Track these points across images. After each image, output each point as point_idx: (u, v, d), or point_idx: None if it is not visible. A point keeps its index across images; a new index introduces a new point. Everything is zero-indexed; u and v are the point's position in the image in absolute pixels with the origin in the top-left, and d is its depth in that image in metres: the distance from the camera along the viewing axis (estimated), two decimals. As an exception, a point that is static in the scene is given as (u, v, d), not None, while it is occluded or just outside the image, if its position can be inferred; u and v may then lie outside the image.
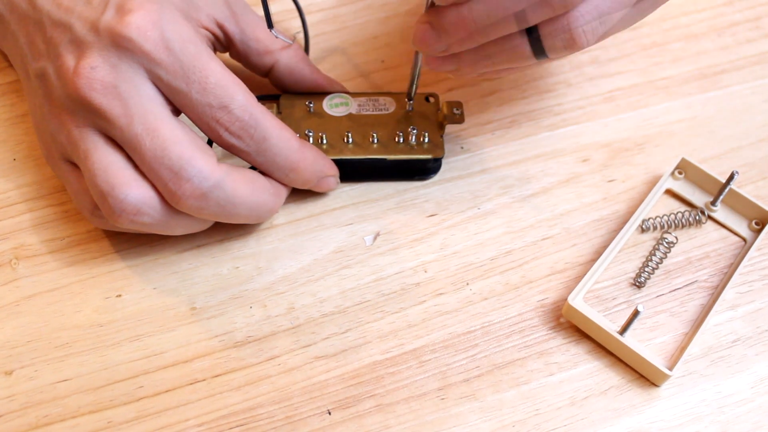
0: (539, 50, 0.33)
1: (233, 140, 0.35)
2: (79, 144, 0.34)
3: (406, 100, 0.41)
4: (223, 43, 0.39)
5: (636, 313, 0.35)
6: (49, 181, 0.41)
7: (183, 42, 0.34)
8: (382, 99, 0.42)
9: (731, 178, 0.39)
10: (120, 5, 0.34)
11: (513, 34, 0.33)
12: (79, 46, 0.34)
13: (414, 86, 0.41)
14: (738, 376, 0.37)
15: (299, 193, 0.41)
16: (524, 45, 0.33)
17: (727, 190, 0.40)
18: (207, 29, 0.38)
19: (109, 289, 0.38)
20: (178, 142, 0.33)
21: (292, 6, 0.46)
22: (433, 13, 0.34)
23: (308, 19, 0.47)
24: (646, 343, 0.37)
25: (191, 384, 0.36)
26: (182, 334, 0.37)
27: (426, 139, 0.40)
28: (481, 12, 0.32)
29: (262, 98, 0.41)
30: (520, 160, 0.43)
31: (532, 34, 0.33)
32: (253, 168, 0.37)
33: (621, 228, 0.40)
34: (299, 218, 0.41)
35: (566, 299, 0.37)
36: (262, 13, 0.39)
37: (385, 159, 0.40)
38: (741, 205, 0.41)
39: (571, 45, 0.33)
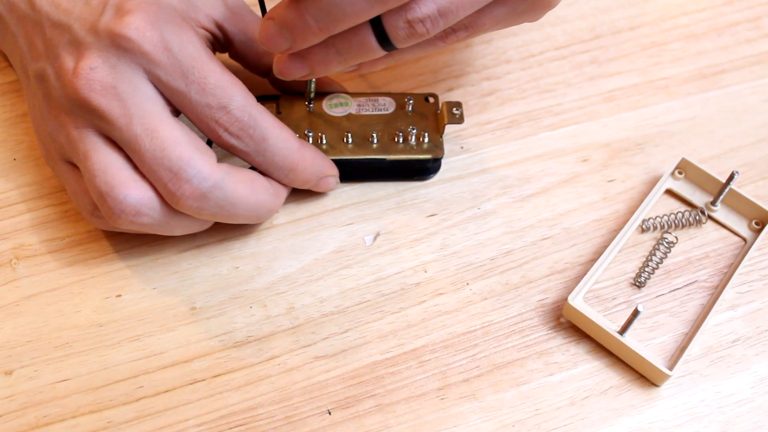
0: (385, 41, 0.33)
1: (232, 140, 0.35)
2: (79, 145, 0.34)
3: (306, 103, 0.41)
4: (222, 44, 0.39)
5: (636, 313, 0.35)
6: (49, 181, 0.41)
7: (182, 42, 0.34)
8: (381, 99, 0.42)
9: (731, 178, 0.39)
10: (119, 6, 0.34)
11: (359, 26, 0.33)
12: (78, 47, 0.34)
13: (310, 88, 0.40)
14: (738, 376, 0.37)
15: (299, 193, 0.41)
16: (370, 36, 0.33)
17: (727, 190, 0.40)
18: (206, 29, 0.38)
19: (108, 289, 0.38)
20: (177, 143, 0.33)
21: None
22: (276, 8, 0.33)
23: (308, 19, 0.47)
24: (646, 343, 0.37)
25: (191, 384, 0.36)
26: (182, 334, 0.37)
27: (425, 140, 0.40)
28: (320, 6, 0.32)
29: (262, 98, 0.41)
30: (520, 160, 0.43)
31: (377, 25, 0.33)
32: (252, 168, 0.37)
33: (621, 228, 0.40)
34: (299, 218, 0.41)
35: (566, 299, 0.37)
36: (260, 13, 0.39)
37: (384, 159, 0.40)
38: (741, 205, 0.41)
39: (413, 35, 0.33)
